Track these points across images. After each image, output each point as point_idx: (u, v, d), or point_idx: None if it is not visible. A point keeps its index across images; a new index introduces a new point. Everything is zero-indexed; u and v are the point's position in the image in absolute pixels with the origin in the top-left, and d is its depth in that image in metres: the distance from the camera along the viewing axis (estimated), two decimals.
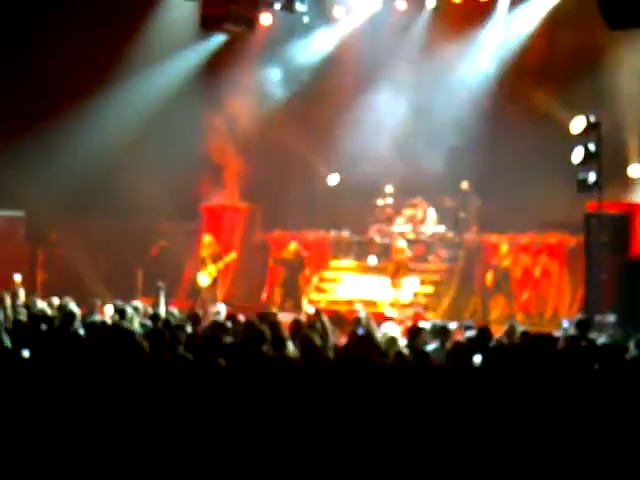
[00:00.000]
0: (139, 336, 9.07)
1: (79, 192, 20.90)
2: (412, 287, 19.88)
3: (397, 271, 19.42)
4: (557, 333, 11.36)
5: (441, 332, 10.22)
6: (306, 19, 21.76)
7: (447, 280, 20.21)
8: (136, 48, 21.32)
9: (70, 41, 21.11)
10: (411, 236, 20.80)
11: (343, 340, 10.97)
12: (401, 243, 19.85)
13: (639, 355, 9.03)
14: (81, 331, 10.21)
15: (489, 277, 19.01)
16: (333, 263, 21.42)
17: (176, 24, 21.35)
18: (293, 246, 20.23)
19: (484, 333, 9.60)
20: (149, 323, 11.70)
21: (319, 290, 20.90)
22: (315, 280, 21.11)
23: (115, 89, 21.14)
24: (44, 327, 10.87)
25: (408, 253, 19.69)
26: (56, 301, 14.00)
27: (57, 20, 21.12)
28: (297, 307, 19.02)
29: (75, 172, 20.76)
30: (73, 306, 12.99)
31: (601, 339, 10.41)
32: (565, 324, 12.99)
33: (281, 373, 8.19)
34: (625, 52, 18.28)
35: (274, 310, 14.52)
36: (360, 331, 10.94)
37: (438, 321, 12.23)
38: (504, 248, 19.27)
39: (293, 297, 19.79)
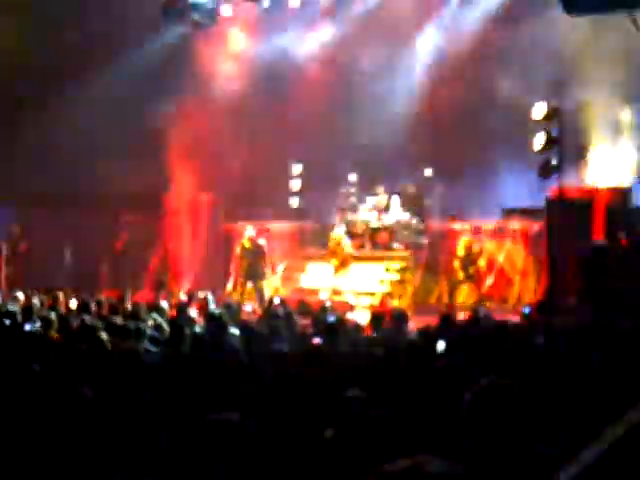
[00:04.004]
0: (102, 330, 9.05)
1: (43, 185, 20.81)
2: (376, 275, 19.98)
3: (342, 264, 19.54)
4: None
5: (399, 318, 10.28)
6: (266, 3, 21.83)
7: (412, 267, 20.26)
8: (99, 38, 21.21)
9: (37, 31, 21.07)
10: (375, 224, 20.85)
11: (309, 328, 11.00)
12: (338, 233, 19.91)
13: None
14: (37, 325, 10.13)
15: (456, 267, 19.07)
16: (298, 252, 21.44)
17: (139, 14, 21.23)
18: (248, 234, 20.11)
19: (447, 319, 9.65)
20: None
21: (284, 279, 20.92)
22: (280, 269, 21.14)
23: (77, 81, 21.00)
24: (7, 323, 10.82)
25: (346, 244, 19.76)
26: (20, 296, 13.95)
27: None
28: (260, 296, 18.93)
29: (39, 166, 20.69)
30: (35, 300, 12.94)
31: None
32: (526, 310, 13.06)
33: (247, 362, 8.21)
34: (586, 37, 18.39)
35: (237, 300, 14.58)
36: (331, 318, 11.00)
37: (396, 308, 12.30)
38: (467, 240, 19.23)
39: (254, 286, 19.64)
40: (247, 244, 19.81)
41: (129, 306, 13.29)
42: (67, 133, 20.66)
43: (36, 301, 12.90)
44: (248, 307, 15.73)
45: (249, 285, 19.51)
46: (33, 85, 21.21)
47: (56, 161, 20.68)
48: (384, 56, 21.24)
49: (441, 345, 8.68)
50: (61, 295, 14.30)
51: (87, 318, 10.42)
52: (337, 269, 19.63)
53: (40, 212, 21.64)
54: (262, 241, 19.92)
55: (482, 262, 19.20)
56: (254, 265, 19.49)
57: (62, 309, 13.16)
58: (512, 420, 4.99)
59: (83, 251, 21.32)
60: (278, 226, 21.76)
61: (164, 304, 13.20)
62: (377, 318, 10.73)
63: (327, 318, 11.13)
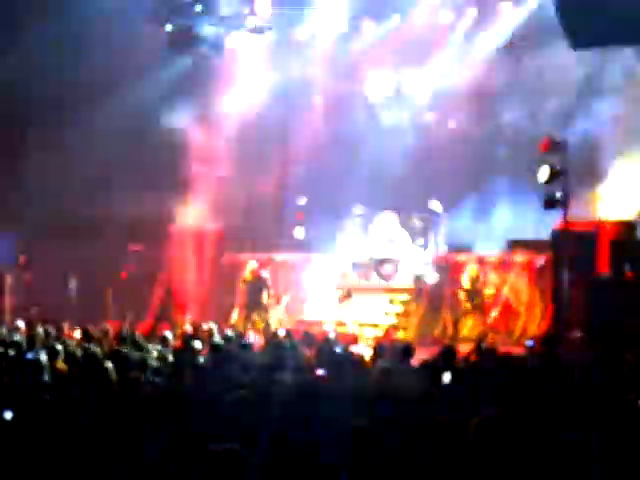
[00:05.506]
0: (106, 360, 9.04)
1: (48, 215, 20.83)
2: (381, 306, 19.95)
3: (347, 295, 19.56)
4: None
5: (404, 351, 10.25)
6: (273, 36, 21.89)
7: (416, 299, 20.22)
8: (101, 70, 21.25)
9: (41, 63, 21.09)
10: (380, 255, 20.82)
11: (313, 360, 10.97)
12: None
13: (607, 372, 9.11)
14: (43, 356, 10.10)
15: (462, 298, 19.03)
16: (303, 284, 21.39)
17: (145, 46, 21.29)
18: (251, 267, 20.10)
19: (449, 352, 9.62)
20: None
21: (289, 311, 20.87)
22: (285, 301, 21.09)
23: (84, 111, 21.04)
24: (12, 353, 10.79)
25: (351, 273, 19.82)
26: (21, 325, 13.93)
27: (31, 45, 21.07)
28: (264, 328, 18.93)
29: (44, 195, 20.72)
30: (39, 330, 12.92)
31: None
32: (529, 343, 13.02)
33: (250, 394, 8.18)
34: (590, 71, 18.49)
35: (242, 331, 14.56)
36: (337, 350, 10.98)
37: (401, 340, 12.29)
38: (473, 270, 19.23)
39: (258, 317, 19.64)
40: (249, 277, 19.83)
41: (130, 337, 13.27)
42: (72, 164, 20.66)
43: (40, 331, 12.88)
44: (251, 338, 15.70)
45: (253, 317, 19.53)
46: (35, 116, 21.24)
47: (61, 192, 20.72)
48: (389, 88, 21.34)
49: (447, 377, 8.66)
50: (66, 325, 14.30)
51: (92, 348, 10.43)
52: (341, 300, 19.62)
53: (45, 242, 21.61)
54: (265, 274, 19.91)
55: (488, 291, 19.13)
56: (255, 297, 19.53)
57: (67, 339, 13.13)
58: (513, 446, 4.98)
59: (87, 281, 21.28)
60: (283, 257, 21.72)
61: (168, 335, 13.19)
62: (380, 350, 10.71)
63: (332, 350, 11.11)
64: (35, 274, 21.86)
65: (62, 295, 20.86)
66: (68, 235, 21.36)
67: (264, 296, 19.63)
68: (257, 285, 19.70)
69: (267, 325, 19.13)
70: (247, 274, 19.96)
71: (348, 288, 19.72)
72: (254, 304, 19.59)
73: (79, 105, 20.94)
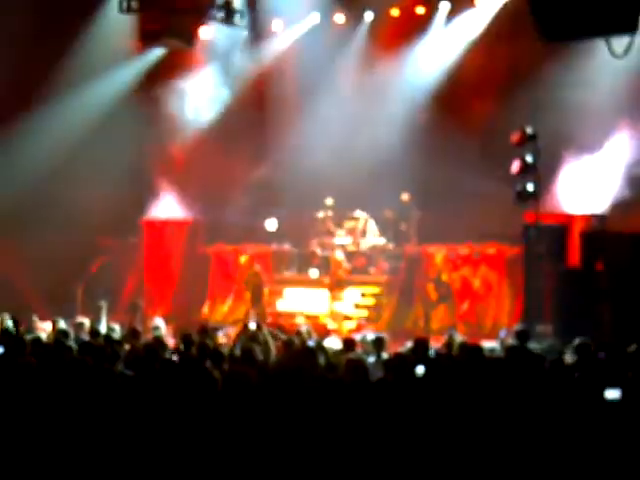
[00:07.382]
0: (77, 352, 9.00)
1: (16, 206, 20.65)
2: (353, 299, 19.96)
3: (337, 285, 19.52)
4: (494, 343, 11.52)
5: (376, 344, 10.26)
6: (245, 32, 21.80)
7: (388, 292, 20.25)
8: (73, 60, 21.10)
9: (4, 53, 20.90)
10: (352, 248, 20.83)
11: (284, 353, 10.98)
12: (339, 255, 19.96)
13: (575, 362, 9.17)
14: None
15: (430, 288, 19.08)
16: (274, 276, 21.37)
17: (113, 38, 21.18)
18: (244, 259, 20.04)
19: (422, 345, 9.64)
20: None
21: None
22: None
23: (53, 103, 20.90)
24: None
25: (346, 265, 19.80)
26: None
27: None
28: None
29: (11, 185, 20.54)
30: (9, 323, 12.88)
31: (538, 348, 10.54)
32: (502, 334, 13.10)
33: (224, 388, 8.17)
34: (561, 64, 18.52)
35: (214, 324, 14.53)
36: (310, 343, 10.99)
37: (372, 333, 12.28)
38: (439, 258, 19.26)
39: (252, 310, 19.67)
40: (250, 271, 19.82)
41: (104, 329, 13.26)
42: (45, 154, 20.54)
43: (10, 324, 12.83)
44: (223, 331, 15.68)
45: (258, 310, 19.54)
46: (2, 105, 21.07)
47: (32, 183, 20.55)
48: (363, 80, 21.31)
49: (420, 369, 8.67)
50: (35, 318, 14.24)
51: (63, 340, 10.38)
52: (333, 290, 19.57)
53: (14, 234, 21.42)
54: (257, 267, 19.89)
55: (454, 276, 19.09)
56: (256, 292, 19.54)
57: (36, 332, 13.07)
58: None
59: (57, 274, 21.14)
60: (254, 249, 21.67)
61: (139, 328, 13.16)
62: (349, 344, 10.73)
63: (304, 342, 11.11)
64: (2, 266, 21.68)
65: (31, 288, 20.73)
66: (38, 226, 21.21)
67: (263, 290, 19.64)
68: (256, 279, 19.66)
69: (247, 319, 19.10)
70: (246, 270, 19.92)
71: (340, 280, 19.67)
72: (255, 299, 19.60)
73: (45, 93, 20.78)
